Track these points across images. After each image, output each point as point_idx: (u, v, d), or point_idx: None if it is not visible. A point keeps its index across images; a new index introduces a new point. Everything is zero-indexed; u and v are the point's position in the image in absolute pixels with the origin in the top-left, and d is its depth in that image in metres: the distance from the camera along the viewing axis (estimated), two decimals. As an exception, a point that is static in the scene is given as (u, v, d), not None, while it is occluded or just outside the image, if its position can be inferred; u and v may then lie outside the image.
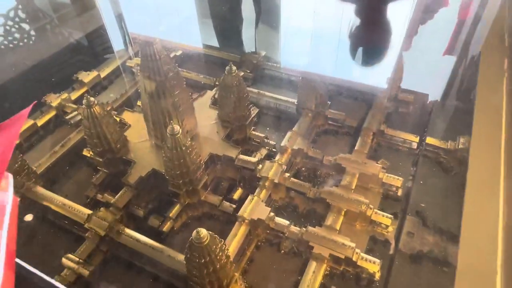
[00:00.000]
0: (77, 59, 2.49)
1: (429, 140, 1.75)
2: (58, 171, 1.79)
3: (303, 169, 1.76)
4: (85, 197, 1.67)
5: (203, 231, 1.07)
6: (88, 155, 1.78)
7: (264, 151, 1.75)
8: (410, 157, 1.79)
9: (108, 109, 1.57)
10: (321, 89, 1.79)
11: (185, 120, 1.61)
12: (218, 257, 1.12)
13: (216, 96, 1.94)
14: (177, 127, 1.33)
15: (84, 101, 1.47)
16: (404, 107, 2.00)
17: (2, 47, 2.39)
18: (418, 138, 1.77)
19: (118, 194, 1.53)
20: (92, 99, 1.47)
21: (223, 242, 1.16)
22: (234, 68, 1.60)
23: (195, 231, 1.07)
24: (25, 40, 2.46)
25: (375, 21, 2.30)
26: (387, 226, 1.48)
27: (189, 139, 1.39)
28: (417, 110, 2.01)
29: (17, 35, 2.40)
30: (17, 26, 2.39)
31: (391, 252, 1.44)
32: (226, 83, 1.62)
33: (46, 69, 2.35)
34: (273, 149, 1.79)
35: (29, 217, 1.60)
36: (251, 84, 2.19)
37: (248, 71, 2.20)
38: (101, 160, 1.61)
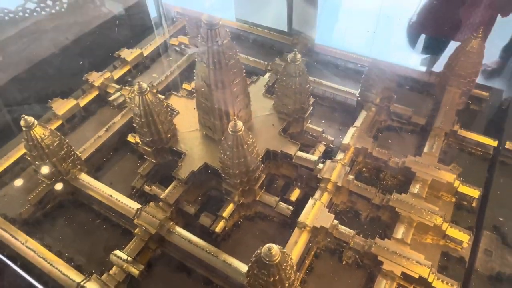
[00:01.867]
0: (115, 35, 2.36)
1: (509, 145, 1.56)
2: (102, 157, 1.70)
3: (364, 169, 1.61)
4: (131, 188, 1.58)
5: (275, 248, 0.95)
6: (133, 141, 1.68)
7: (321, 147, 1.61)
8: (485, 162, 1.61)
9: (154, 92, 1.44)
10: (389, 81, 1.61)
11: (241, 111, 1.47)
12: (287, 276, 1.01)
13: (270, 83, 1.79)
14: (240, 124, 1.20)
15: (135, 88, 1.34)
16: (477, 104, 1.80)
17: (39, 19, 2.28)
18: (496, 142, 1.58)
19: (168, 189, 1.43)
20: (144, 85, 1.35)
21: (290, 257, 1.04)
22: (298, 56, 1.43)
23: (265, 247, 0.95)
24: (62, 11, 2.34)
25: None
26: (461, 242, 1.33)
27: (250, 136, 1.26)
28: (491, 108, 1.81)
29: (52, 8, 2.26)
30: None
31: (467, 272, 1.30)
32: (288, 72, 1.46)
33: (83, 44, 2.24)
34: (331, 145, 1.64)
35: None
36: (304, 70, 2.02)
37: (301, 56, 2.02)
38: (149, 150, 1.50)
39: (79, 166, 1.53)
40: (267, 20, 3.02)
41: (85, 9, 2.34)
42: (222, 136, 1.50)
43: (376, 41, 2.69)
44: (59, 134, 1.43)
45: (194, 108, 1.67)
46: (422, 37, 2.34)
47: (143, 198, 1.56)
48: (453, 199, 1.46)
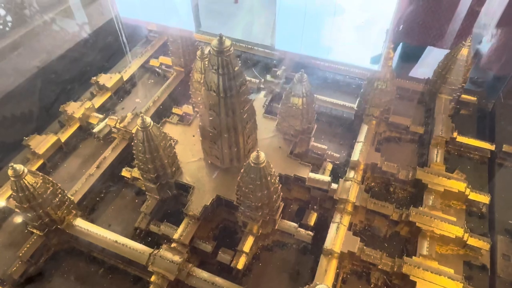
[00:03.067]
0: (87, 59, 2.19)
1: (506, 148, 1.62)
2: (95, 197, 1.55)
3: (373, 184, 1.60)
4: (134, 228, 1.45)
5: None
6: (129, 176, 1.55)
7: (329, 166, 1.58)
8: (483, 166, 1.66)
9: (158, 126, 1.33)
10: (389, 94, 1.62)
11: (250, 138, 1.40)
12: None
13: (267, 103, 1.73)
14: (262, 155, 1.13)
15: (139, 122, 1.23)
16: (466, 108, 1.86)
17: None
18: (493, 145, 1.64)
19: (181, 228, 1.33)
20: (148, 119, 1.24)
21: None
22: (305, 76, 1.39)
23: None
24: (26, 40, 2.13)
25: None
26: (480, 250, 1.35)
27: (271, 166, 1.19)
28: (480, 111, 1.88)
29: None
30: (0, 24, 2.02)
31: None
32: (294, 92, 1.41)
33: (52, 71, 2.05)
34: (336, 162, 1.62)
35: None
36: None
37: (291, 71, 1.99)
38: (154, 186, 1.39)
39: (73, 212, 1.38)
40: (236, 34, 2.96)
41: (49, 34, 2.15)
42: (230, 164, 1.43)
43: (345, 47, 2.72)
44: (51, 179, 1.28)
45: (193, 136, 1.58)
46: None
47: (148, 238, 1.44)
48: (464, 207, 1.49)
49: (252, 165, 1.13)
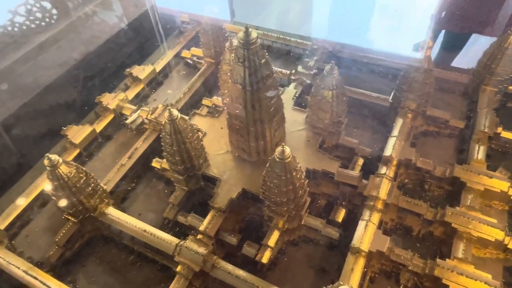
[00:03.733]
0: (121, 51, 2.24)
1: (557, 145, 1.49)
2: (126, 187, 1.60)
3: (406, 181, 1.53)
4: (162, 218, 1.48)
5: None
6: (159, 167, 1.58)
7: (360, 161, 1.52)
8: (530, 164, 1.53)
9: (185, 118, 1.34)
10: (428, 85, 1.52)
11: (277, 131, 1.38)
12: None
13: (297, 94, 1.69)
14: (288, 150, 1.10)
15: (166, 115, 1.24)
16: (512, 101, 1.73)
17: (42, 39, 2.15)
18: (543, 142, 1.51)
19: (207, 220, 1.34)
20: (175, 112, 1.24)
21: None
22: (335, 68, 1.34)
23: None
24: (64, 29, 2.21)
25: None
26: (523, 254, 1.26)
27: (297, 161, 1.17)
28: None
29: (42, 20, 2.11)
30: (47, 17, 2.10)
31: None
32: (324, 85, 1.37)
33: (90, 63, 2.12)
34: (368, 157, 1.56)
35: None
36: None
37: (323, 62, 1.92)
38: (181, 177, 1.41)
39: (106, 200, 1.43)
40: (270, 23, 2.91)
41: (88, 26, 2.22)
42: (257, 157, 1.42)
43: (388, 35, 2.60)
44: (84, 169, 1.33)
45: (222, 128, 1.58)
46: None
47: (176, 228, 1.47)
48: (506, 207, 1.39)
49: (277, 160, 1.11)
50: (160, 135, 1.33)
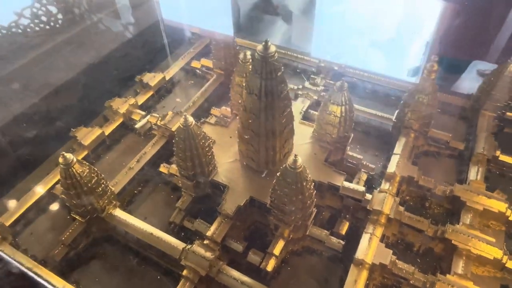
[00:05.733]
0: (131, 58, 2.29)
1: (552, 170, 1.55)
2: (133, 190, 1.62)
3: (408, 197, 1.58)
4: (168, 222, 1.49)
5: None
6: (166, 172, 1.60)
7: (364, 176, 1.57)
8: (526, 187, 1.60)
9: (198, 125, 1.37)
10: (431, 108, 1.59)
11: (286, 142, 1.42)
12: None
13: (304, 109, 1.75)
14: (300, 160, 1.14)
15: (181, 121, 1.28)
16: (510, 127, 1.79)
17: (56, 42, 2.19)
18: (539, 166, 1.58)
19: (214, 226, 1.36)
20: (190, 118, 1.28)
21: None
22: (346, 84, 1.40)
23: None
24: (78, 37, 2.26)
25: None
26: (519, 273, 1.30)
27: (308, 171, 1.20)
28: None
29: (46, 24, 2.15)
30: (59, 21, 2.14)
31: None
32: (334, 101, 1.42)
33: (100, 67, 2.16)
34: (370, 173, 1.60)
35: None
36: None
37: (329, 80, 1.99)
38: (190, 183, 1.43)
39: (113, 202, 1.45)
40: (275, 39, 2.98)
41: (100, 33, 2.27)
42: (266, 167, 1.46)
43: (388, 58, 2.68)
44: (96, 170, 1.35)
45: (230, 137, 1.62)
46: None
47: (182, 233, 1.48)
48: (503, 228, 1.43)
49: (289, 169, 1.15)
50: (173, 140, 1.36)
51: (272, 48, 1.16)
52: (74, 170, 1.25)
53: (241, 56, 1.53)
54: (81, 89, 2.03)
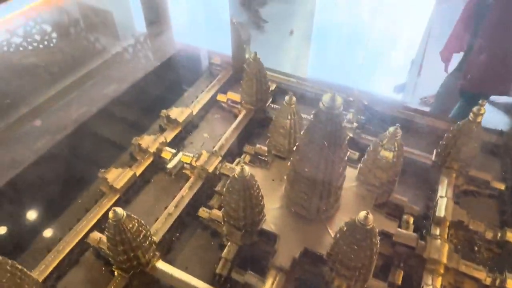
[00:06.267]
0: (153, 91, 2.22)
1: None
2: (171, 237, 1.53)
3: (455, 241, 1.55)
4: (213, 273, 1.41)
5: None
6: (206, 217, 1.53)
7: (410, 219, 1.53)
8: None
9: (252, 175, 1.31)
10: (474, 148, 1.58)
11: (339, 189, 1.37)
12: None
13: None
14: (370, 217, 1.10)
15: (237, 172, 1.22)
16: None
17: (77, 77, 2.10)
18: None
19: (269, 280, 1.29)
20: (247, 169, 1.22)
21: None
22: (399, 131, 1.37)
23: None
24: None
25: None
26: None
27: (374, 226, 1.16)
28: None
29: (40, 43, 2.08)
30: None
31: None
32: (386, 147, 1.39)
33: (121, 101, 2.08)
34: (415, 215, 1.57)
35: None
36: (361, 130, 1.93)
37: (360, 116, 1.96)
38: (239, 232, 1.36)
39: (157, 253, 1.36)
40: (288, 65, 2.98)
41: (120, 65, 2.20)
42: (316, 215, 1.40)
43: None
44: (143, 223, 1.26)
45: (273, 180, 1.56)
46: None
47: (228, 284, 1.41)
48: (555, 274, 1.42)
49: (359, 225, 1.10)
50: (224, 188, 1.30)
51: (339, 100, 1.12)
52: (124, 226, 1.17)
53: (286, 98, 1.49)
54: (104, 126, 1.95)
